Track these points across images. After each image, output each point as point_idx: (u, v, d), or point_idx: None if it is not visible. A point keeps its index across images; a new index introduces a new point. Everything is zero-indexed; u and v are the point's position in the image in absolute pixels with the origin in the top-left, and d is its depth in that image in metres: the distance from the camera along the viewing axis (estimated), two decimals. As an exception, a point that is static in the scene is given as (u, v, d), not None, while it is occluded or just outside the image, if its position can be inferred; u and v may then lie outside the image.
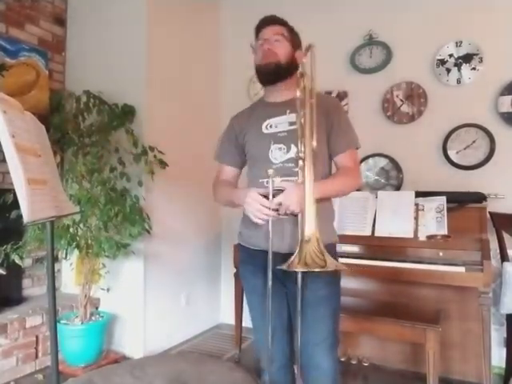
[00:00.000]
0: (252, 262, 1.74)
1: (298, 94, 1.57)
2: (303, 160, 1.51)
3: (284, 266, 1.40)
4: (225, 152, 1.87)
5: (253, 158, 1.77)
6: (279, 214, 1.52)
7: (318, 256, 1.37)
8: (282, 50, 1.68)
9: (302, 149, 1.52)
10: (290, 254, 1.55)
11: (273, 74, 1.69)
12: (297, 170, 1.55)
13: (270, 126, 1.71)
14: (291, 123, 1.66)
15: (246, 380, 1.73)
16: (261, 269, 1.66)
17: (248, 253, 1.77)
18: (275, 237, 1.56)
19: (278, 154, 1.67)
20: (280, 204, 1.49)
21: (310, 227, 1.42)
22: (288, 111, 1.68)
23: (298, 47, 1.74)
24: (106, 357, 3.01)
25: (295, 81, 1.72)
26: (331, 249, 1.62)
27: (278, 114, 1.70)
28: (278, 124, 1.69)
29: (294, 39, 1.74)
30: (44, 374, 2.81)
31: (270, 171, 1.50)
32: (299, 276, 1.56)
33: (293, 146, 1.63)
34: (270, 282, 1.57)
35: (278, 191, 1.51)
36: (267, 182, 1.60)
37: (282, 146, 1.66)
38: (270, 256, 1.55)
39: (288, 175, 1.61)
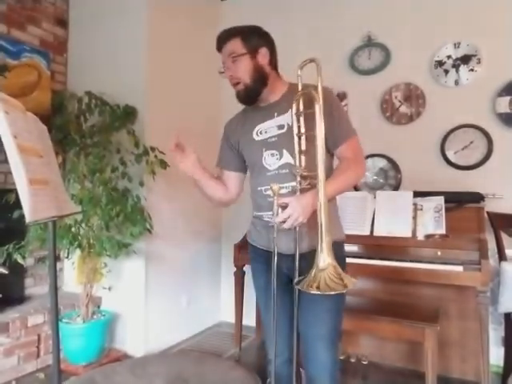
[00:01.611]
0: (260, 260, 1.78)
1: (295, 109, 1.56)
2: (304, 177, 1.55)
3: (299, 287, 1.42)
4: (222, 157, 1.88)
5: (250, 165, 1.78)
6: (284, 228, 1.53)
7: (335, 281, 1.37)
8: (241, 71, 1.62)
9: (299, 164, 1.56)
10: (293, 255, 1.60)
11: (247, 98, 1.68)
12: (293, 174, 1.58)
13: (260, 133, 1.70)
14: (279, 127, 1.65)
15: (246, 378, 1.75)
16: (267, 267, 1.69)
17: (256, 252, 1.81)
18: (280, 239, 1.59)
19: (271, 161, 1.66)
20: (287, 217, 1.49)
21: (324, 258, 1.40)
22: (276, 114, 1.66)
23: (259, 48, 1.64)
24: (107, 355, 3.03)
25: (274, 82, 1.69)
26: (338, 248, 1.61)
27: (266, 119, 1.69)
28: (268, 129, 1.68)
29: (251, 44, 1.63)
30: (45, 372, 2.83)
31: (275, 187, 1.50)
32: (296, 272, 1.58)
33: (285, 151, 1.63)
34: (274, 285, 1.59)
35: (280, 207, 1.52)
36: (266, 190, 1.64)
37: (274, 151, 1.66)
38: (275, 259, 1.58)
39: (283, 182, 1.61)
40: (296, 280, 1.49)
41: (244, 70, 1.63)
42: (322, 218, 1.42)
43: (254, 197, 1.77)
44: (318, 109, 1.46)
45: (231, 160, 1.84)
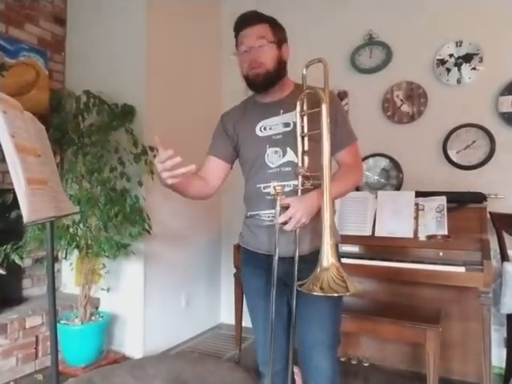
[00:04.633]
0: (253, 264, 1.73)
1: (299, 108, 1.54)
2: (307, 178, 1.53)
3: (300, 288, 1.40)
4: (215, 144, 1.79)
5: (248, 162, 1.72)
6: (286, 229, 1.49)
7: (338, 283, 1.35)
8: (268, 57, 1.57)
9: (302, 164, 1.54)
10: (291, 258, 1.57)
11: (263, 84, 1.62)
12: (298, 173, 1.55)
13: (265, 129, 1.66)
14: (285, 124, 1.62)
15: (245, 380, 1.74)
16: (262, 270, 1.65)
17: (249, 255, 1.75)
18: (277, 241, 1.55)
19: (274, 158, 1.63)
20: (290, 218, 1.45)
21: (327, 257, 1.38)
22: (282, 111, 1.64)
23: (283, 42, 1.63)
24: (105, 357, 3.01)
25: (285, 79, 1.67)
26: None
27: (271, 115, 1.65)
28: (273, 126, 1.64)
29: (278, 35, 1.61)
30: (44, 374, 2.81)
31: (279, 188, 1.47)
32: (295, 275, 1.56)
33: (288, 149, 1.60)
34: (273, 289, 1.56)
35: (282, 208, 1.48)
36: (265, 188, 1.61)
37: (277, 149, 1.62)
38: (276, 260, 1.54)
39: (285, 180, 1.59)
40: (299, 283, 1.45)
41: (270, 58, 1.58)
42: (327, 217, 1.40)
43: (250, 195, 1.71)
44: (325, 109, 1.45)
45: (225, 149, 1.76)
